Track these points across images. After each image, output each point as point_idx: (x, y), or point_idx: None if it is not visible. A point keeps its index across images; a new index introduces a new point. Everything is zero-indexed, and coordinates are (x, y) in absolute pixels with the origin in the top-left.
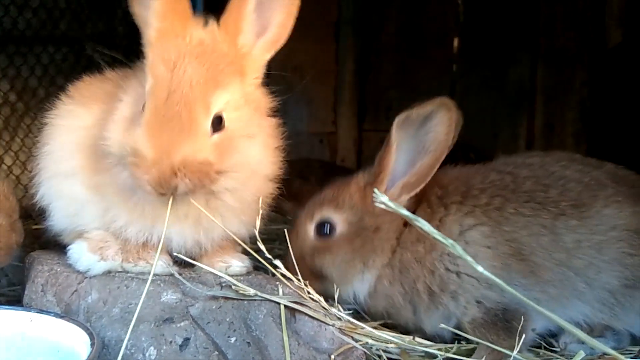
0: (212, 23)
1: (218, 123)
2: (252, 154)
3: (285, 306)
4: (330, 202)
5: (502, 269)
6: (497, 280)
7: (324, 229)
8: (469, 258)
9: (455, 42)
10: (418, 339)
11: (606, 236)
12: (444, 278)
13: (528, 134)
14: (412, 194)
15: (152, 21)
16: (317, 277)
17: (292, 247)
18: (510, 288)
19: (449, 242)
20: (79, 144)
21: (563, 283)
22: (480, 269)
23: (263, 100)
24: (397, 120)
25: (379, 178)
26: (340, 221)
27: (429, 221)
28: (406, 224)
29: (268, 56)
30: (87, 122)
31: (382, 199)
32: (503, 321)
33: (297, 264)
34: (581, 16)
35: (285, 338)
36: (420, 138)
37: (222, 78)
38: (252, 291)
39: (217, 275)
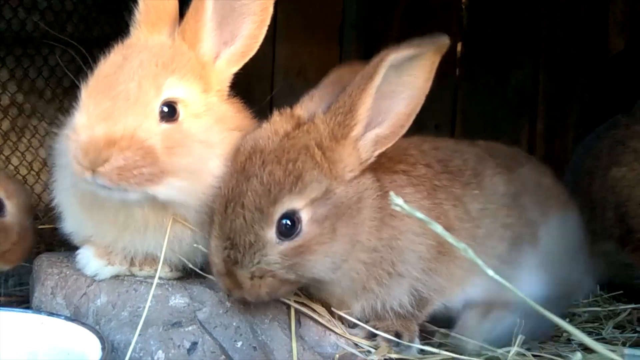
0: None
1: (170, 112)
2: (209, 164)
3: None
4: (285, 186)
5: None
6: (506, 283)
7: (286, 225)
8: (480, 262)
9: (459, 48)
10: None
11: (496, 204)
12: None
13: (529, 139)
14: (384, 149)
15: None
16: (297, 284)
17: (239, 271)
18: (516, 289)
19: (461, 245)
20: None
21: (469, 261)
22: (491, 273)
23: (230, 115)
24: (392, 59)
25: (349, 127)
26: (304, 207)
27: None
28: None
29: (235, 69)
30: None
31: (399, 201)
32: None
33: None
34: (583, 23)
35: (294, 342)
36: (395, 80)
37: (179, 74)
38: None
39: None
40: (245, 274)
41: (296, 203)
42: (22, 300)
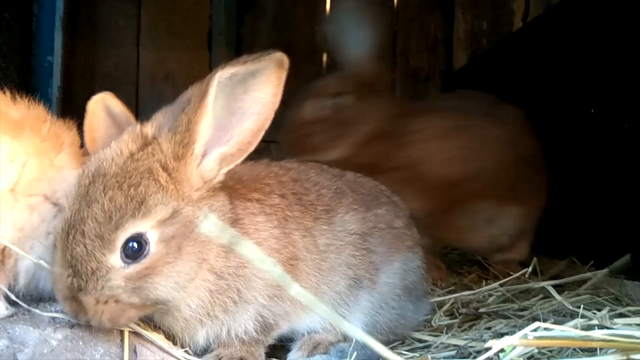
0: None
1: None
2: None
3: (120, 342)
4: (127, 211)
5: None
6: (329, 310)
7: (132, 249)
8: (287, 280)
9: (324, 57)
10: None
11: (343, 240)
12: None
13: None
14: (232, 166)
15: None
16: (143, 307)
17: (83, 297)
18: (347, 322)
19: (268, 265)
20: None
21: (312, 288)
22: (294, 290)
23: None
24: (220, 77)
25: (188, 146)
26: (150, 229)
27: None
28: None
29: None
30: None
31: (209, 224)
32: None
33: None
34: (433, 39)
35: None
36: (241, 97)
37: None
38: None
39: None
40: (89, 300)
41: (141, 227)
42: None
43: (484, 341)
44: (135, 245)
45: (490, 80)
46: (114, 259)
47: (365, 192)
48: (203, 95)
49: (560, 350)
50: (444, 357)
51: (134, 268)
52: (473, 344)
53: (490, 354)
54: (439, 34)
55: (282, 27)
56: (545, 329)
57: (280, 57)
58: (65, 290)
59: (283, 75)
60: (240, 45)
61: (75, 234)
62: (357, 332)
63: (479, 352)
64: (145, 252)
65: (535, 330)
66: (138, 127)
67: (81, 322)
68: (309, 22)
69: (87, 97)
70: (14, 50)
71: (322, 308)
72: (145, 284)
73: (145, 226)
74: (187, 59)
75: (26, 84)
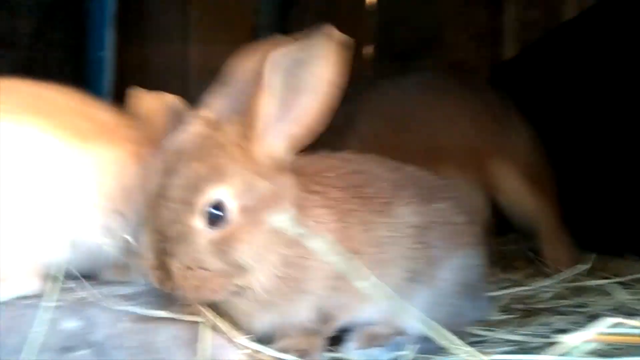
0: None
1: None
2: None
3: (190, 327)
4: (208, 179)
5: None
6: (394, 294)
7: (214, 215)
8: (350, 272)
9: (370, 50)
10: None
11: (402, 233)
12: None
13: None
14: (299, 146)
15: None
16: (225, 276)
17: (170, 262)
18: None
19: (335, 259)
20: None
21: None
22: (360, 285)
23: None
24: (273, 56)
25: (251, 126)
26: (229, 197)
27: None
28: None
29: None
30: None
31: (279, 219)
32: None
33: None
34: (481, 29)
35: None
36: (297, 73)
37: None
38: (160, 312)
39: (123, 298)
40: (176, 264)
41: (221, 194)
42: None
43: (545, 337)
44: (216, 211)
45: (541, 73)
46: (198, 222)
47: (425, 186)
48: (259, 76)
49: (629, 347)
50: (502, 352)
51: (217, 233)
52: (533, 339)
53: (563, 349)
54: (486, 24)
55: (327, 20)
56: (617, 324)
57: (329, 30)
58: (153, 257)
59: (336, 50)
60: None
61: (160, 201)
62: (428, 322)
63: (539, 348)
64: (225, 219)
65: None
66: (201, 112)
67: (166, 290)
68: (353, 14)
69: None
70: (68, 46)
71: (397, 301)
72: (228, 248)
73: (225, 194)
74: (234, 53)
75: (80, 80)
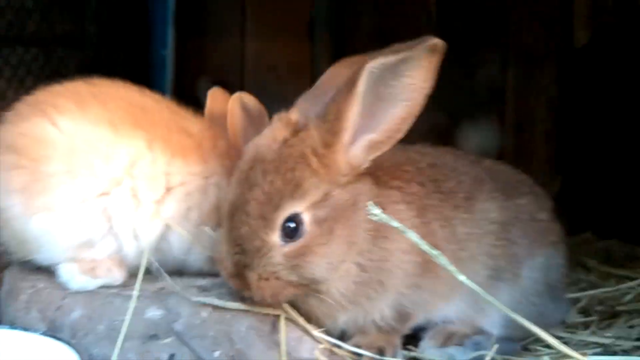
0: None
1: None
2: None
3: (266, 319)
4: (285, 194)
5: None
6: (481, 290)
7: (289, 228)
8: (452, 268)
9: None
10: None
11: (483, 229)
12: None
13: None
14: (378, 154)
15: None
16: (299, 286)
17: (248, 273)
18: (497, 302)
19: (435, 252)
20: None
21: (451, 279)
22: (463, 278)
23: None
24: (371, 67)
25: (337, 134)
26: (305, 210)
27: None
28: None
29: None
30: None
31: (376, 211)
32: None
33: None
34: (550, 16)
35: (283, 343)
36: (391, 84)
37: None
38: (238, 305)
39: (200, 290)
40: (253, 275)
41: (297, 207)
42: None
43: (630, 339)
44: (292, 225)
45: (617, 60)
46: (275, 237)
47: (504, 180)
48: (353, 84)
49: None
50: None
51: (292, 247)
52: (618, 341)
53: None
54: (556, 9)
55: (385, 11)
56: None
57: (435, 42)
58: (232, 267)
59: (435, 61)
60: (342, 31)
61: (240, 215)
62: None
63: (627, 351)
64: (300, 232)
65: None
66: (287, 114)
67: (245, 297)
68: (412, 4)
69: (197, 90)
70: (133, 45)
71: (490, 299)
72: (301, 262)
73: (301, 207)
74: (289, 48)
75: (145, 79)
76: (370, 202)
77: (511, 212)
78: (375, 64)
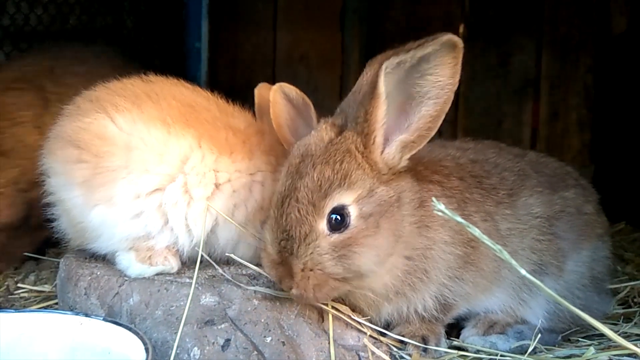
0: None
1: None
2: None
3: (314, 307)
4: (334, 183)
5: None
6: (538, 282)
7: (336, 219)
8: (513, 262)
9: (461, 29)
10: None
11: (527, 224)
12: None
13: (533, 121)
14: (413, 152)
15: None
16: (342, 280)
17: (293, 261)
18: (548, 290)
19: (496, 247)
20: None
21: (492, 272)
22: (523, 272)
23: None
24: (387, 66)
25: (369, 135)
26: (352, 202)
27: None
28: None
29: None
30: None
31: (441, 207)
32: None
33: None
34: (586, 3)
35: (331, 336)
36: (417, 82)
37: None
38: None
39: (249, 278)
40: (298, 264)
41: (345, 198)
42: (45, 297)
43: None
44: (339, 217)
45: None
46: (322, 224)
47: (549, 174)
48: (374, 86)
49: None
50: None
51: (338, 237)
52: None
53: None
54: None
55: (417, 1)
56: None
57: (449, 38)
58: (277, 254)
59: (458, 56)
60: (373, 20)
61: (289, 201)
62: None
63: None
64: (347, 224)
65: None
66: (331, 119)
67: (285, 287)
68: None
69: (230, 81)
70: (168, 38)
71: (546, 291)
72: (348, 252)
73: (348, 199)
74: (321, 39)
75: (181, 70)
76: (434, 198)
77: (557, 206)
78: (389, 63)
